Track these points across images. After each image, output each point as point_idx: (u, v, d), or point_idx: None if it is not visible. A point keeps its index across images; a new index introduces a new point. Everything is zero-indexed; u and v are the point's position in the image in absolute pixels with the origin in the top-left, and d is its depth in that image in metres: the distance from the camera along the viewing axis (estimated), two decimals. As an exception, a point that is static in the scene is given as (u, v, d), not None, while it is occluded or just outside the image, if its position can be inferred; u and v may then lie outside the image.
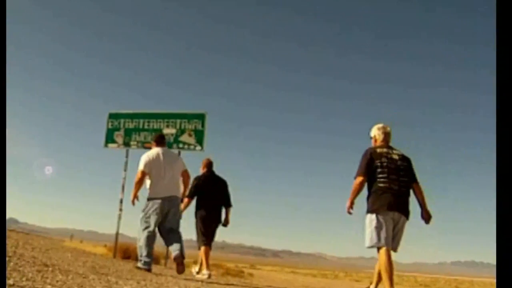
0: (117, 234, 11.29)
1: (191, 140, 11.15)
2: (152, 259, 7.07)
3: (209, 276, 7.75)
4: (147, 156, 7.17)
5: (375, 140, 5.87)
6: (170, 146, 11.26)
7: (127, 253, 12.06)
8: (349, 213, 5.52)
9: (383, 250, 5.24)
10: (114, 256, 11.18)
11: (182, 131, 11.28)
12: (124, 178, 11.40)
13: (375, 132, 5.89)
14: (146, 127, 11.63)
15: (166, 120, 11.51)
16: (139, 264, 6.96)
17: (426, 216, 5.61)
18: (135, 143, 11.61)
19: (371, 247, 5.40)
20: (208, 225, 8.14)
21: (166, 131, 11.36)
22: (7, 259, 4.72)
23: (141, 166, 7.04)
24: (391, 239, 5.33)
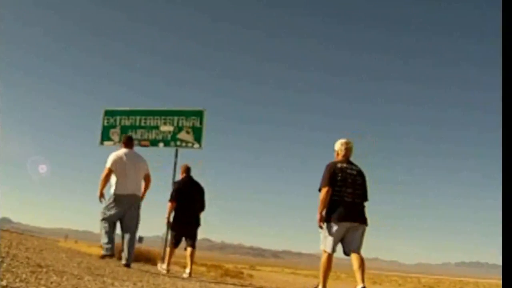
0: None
1: (189, 137, 11.14)
2: (113, 244, 7.65)
3: (168, 271, 8.66)
4: (115, 155, 7.85)
5: (337, 154, 6.54)
6: (167, 144, 11.27)
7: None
8: (320, 227, 6.25)
9: (326, 254, 6.14)
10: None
11: (179, 129, 11.27)
12: (120, 177, 11.38)
13: (338, 147, 6.55)
14: (143, 124, 11.60)
15: (163, 117, 11.50)
16: (103, 252, 7.75)
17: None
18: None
19: (324, 251, 6.19)
20: (183, 228, 8.84)
21: (163, 128, 11.36)
22: (0, 260, 4.73)
23: (108, 164, 7.71)
24: (346, 243, 6.20)
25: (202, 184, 9.31)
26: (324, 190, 6.13)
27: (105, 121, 11.92)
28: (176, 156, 11.13)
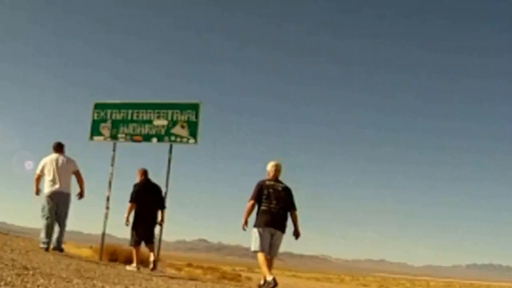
0: (103, 234, 11.31)
1: (184, 132, 11.14)
2: (50, 239, 9.36)
3: (138, 268, 9.42)
4: (43, 160, 9.83)
5: (268, 174, 8.41)
6: (161, 139, 11.27)
7: (114, 255, 12.11)
8: (244, 229, 8.07)
9: (260, 253, 7.90)
10: (100, 259, 11.19)
11: (174, 123, 11.26)
12: (111, 174, 11.41)
13: (269, 168, 8.44)
14: (135, 118, 11.59)
15: (156, 110, 11.48)
16: (40, 245, 9.33)
17: (296, 234, 8.28)
18: (123, 135, 11.58)
19: (254, 251, 7.99)
20: (142, 227, 9.74)
21: (156, 122, 11.36)
22: (-16, 261, 4.74)
23: (37, 170, 9.76)
24: (269, 247, 8.00)
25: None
26: (250, 203, 8.09)
27: (95, 115, 11.91)
28: (170, 152, 11.14)
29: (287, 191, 8.25)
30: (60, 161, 9.77)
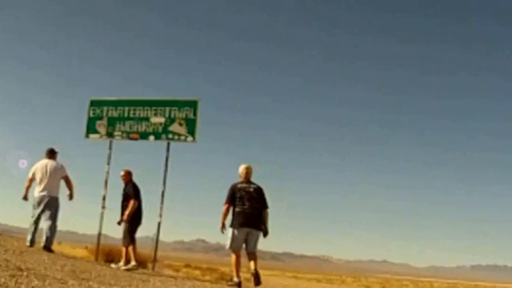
0: (99, 234, 11.33)
1: (182, 130, 11.13)
2: (34, 238, 10.11)
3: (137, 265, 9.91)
4: (34, 166, 10.42)
5: (240, 177, 9.16)
6: (158, 137, 11.27)
7: (111, 256, 12.10)
8: (222, 232, 8.90)
9: (233, 254, 8.88)
10: (96, 259, 11.21)
11: (171, 120, 11.26)
12: (108, 173, 11.42)
13: (241, 171, 9.21)
14: (131, 115, 11.59)
15: (153, 108, 11.47)
16: (27, 243, 9.99)
17: (264, 232, 8.90)
18: (120, 133, 11.59)
19: (229, 249, 8.88)
20: (135, 227, 10.16)
21: (154, 120, 11.35)
22: (-23, 262, 4.74)
23: (28, 175, 10.36)
24: (246, 245, 8.86)
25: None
26: (224, 206, 8.93)
27: (91, 112, 11.90)
28: (168, 150, 11.13)
29: (259, 192, 9.00)
30: (49, 167, 10.33)
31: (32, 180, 10.34)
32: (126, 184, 10.37)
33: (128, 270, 9.31)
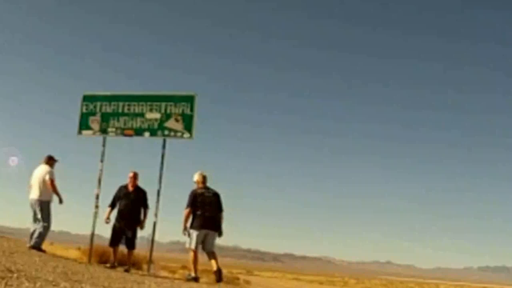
0: (92, 235, 11.31)
1: (179, 126, 11.12)
2: (31, 240, 10.69)
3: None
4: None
5: (198, 182, 10.40)
6: (154, 133, 11.26)
7: (104, 257, 12.10)
8: (184, 234, 10.14)
9: (192, 251, 10.04)
10: (89, 261, 11.21)
11: (167, 116, 11.25)
12: (101, 171, 11.41)
13: (197, 177, 10.45)
14: (126, 111, 11.57)
15: (149, 103, 11.45)
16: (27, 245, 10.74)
17: (219, 233, 10.24)
18: (114, 129, 11.57)
19: (188, 248, 10.11)
20: (119, 228, 10.69)
21: (149, 115, 11.34)
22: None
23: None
24: (205, 244, 10.09)
25: None
26: (186, 210, 10.09)
27: (84, 107, 11.88)
28: (163, 147, 11.12)
29: (216, 196, 10.33)
30: (38, 172, 11.11)
31: (30, 186, 11.14)
32: (134, 188, 10.95)
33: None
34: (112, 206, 10.93)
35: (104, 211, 10.96)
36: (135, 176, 10.99)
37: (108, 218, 10.82)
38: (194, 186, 10.41)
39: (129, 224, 10.68)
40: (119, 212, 10.80)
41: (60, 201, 10.95)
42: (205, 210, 10.10)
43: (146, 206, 10.86)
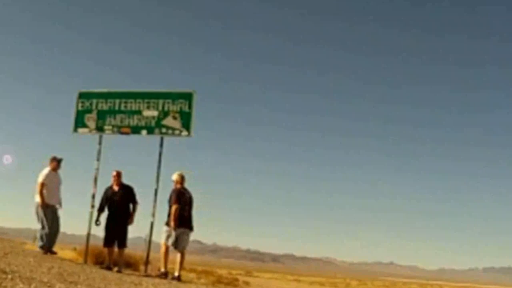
0: (88, 235, 11.32)
1: (176, 124, 11.14)
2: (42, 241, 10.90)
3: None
4: None
5: (177, 182, 10.77)
6: (151, 131, 11.27)
7: (100, 258, 12.08)
8: (174, 230, 10.47)
9: (165, 246, 10.50)
10: (85, 261, 11.21)
11: (165, 114, 11.26)
12: (97, 169, 11.43)
13: (176, 177, 10.82)
14: (122, 108, 11.59)
15: (146, 100, 11.47)
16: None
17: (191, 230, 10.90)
18: (110, 127, 11.59)
19: (166, 244, 10.52)
20: (111, 228, 10.80)
21: (146, 113, 11.35)
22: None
23: None
24: (177, 243, 10.52)
25: None
26: (175, 206, 10.44)
27: (80, 104, 11.89)
28: (161, 145, 11.15)
29: (192, 198, 10.86)
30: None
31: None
32: (119, 186, 10.94)
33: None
34: (101, 209, 10.98)
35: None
36: (118, 175, 11.00)
37: (98, 221, 10.95)
38: (172, 186, 10.80)
39: (119, 222, 10.77)
40: (109, 213, 10.88)
41: (42, 204, 10.81)
42: (185, 210, 10.60)
43: (135, 201, 10.93)
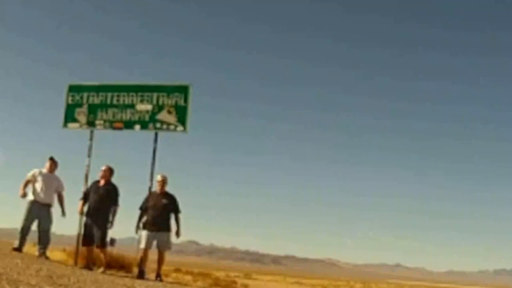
0: (78, 236, 11.27)
1: (171, 118, 11.14)
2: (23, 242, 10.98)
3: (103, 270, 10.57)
4: None
5: (159, 185, 10.95)
6: (145, 126, 11.27)
7: (91, 260, 12.10)
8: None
9: (143, 250, 10.72)
10: (75, 263, 11.21)
11: (160, 108, 11.25)
12: (88, 166, 11.42)
13: (163, 179, 10.94)
14: (115, 102, 11.57)
15: (140, 93, 11.46)
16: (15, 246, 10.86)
17: (177, 233, 11.04)
18: (102, 122, 11.58)
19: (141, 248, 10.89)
20: (90, 228, 10.63)
21: (140, 107, 11.34)
22: None
23: None
24: (157, 244, 10.81)
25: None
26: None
27: (70, 98, 11.87)
28: (155, 141, 11.15)
29: (172, 199, 11.04)
30: None
31: None
32: (105, 182, 10.72)
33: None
34: (84, 199, 10.84)
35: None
36: (108, 171, 10.80)
37: (81, 211, 10.78)
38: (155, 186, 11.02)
39: (97, 221, 10.53)
40: (88, 208, 10.73)
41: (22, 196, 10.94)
42: (148, 214, 10.90)
43: (115, 203, 10.63)
